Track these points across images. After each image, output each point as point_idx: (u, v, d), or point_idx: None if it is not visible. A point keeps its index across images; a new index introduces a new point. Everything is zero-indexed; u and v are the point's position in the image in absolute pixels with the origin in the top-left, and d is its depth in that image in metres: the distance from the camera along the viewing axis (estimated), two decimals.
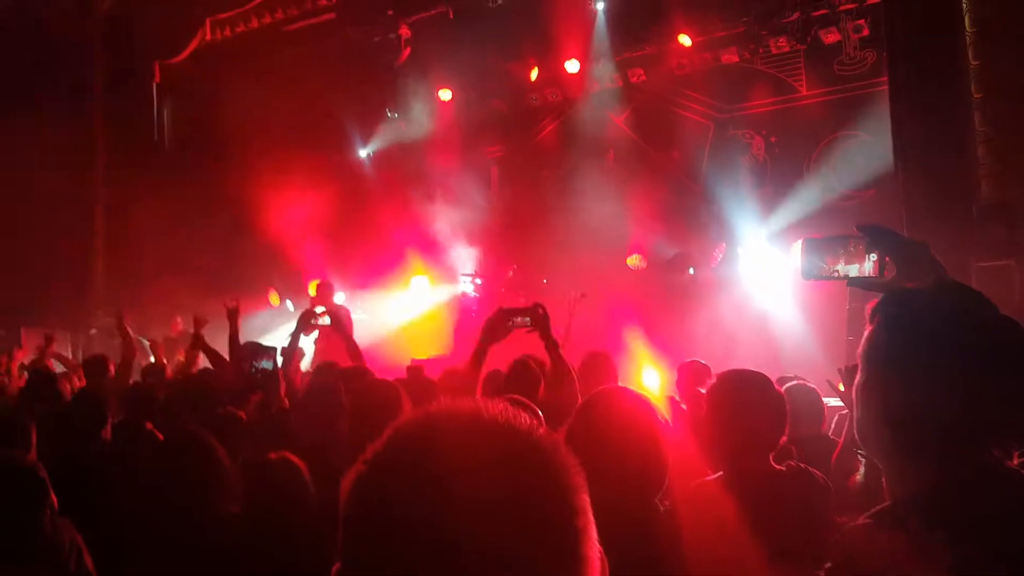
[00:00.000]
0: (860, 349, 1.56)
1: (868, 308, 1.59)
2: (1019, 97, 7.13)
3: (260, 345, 6.03)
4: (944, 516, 1.42)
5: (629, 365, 8.77)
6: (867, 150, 9.13)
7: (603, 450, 2.12)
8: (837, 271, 1.92)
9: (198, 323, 6.83)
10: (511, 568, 0.88)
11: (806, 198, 9.47)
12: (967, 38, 7.12)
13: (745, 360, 8.18)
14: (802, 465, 2.73)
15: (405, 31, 11.43)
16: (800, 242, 1.98)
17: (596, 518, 0.93)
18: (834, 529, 2.44)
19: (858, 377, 1.56)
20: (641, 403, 2.28)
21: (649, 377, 8.64)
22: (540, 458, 0.94)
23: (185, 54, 11.57)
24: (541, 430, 0.99)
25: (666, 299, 10.03)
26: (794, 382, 4.17)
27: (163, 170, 11.69)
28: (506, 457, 0.93)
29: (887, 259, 1.83)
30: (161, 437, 4.55)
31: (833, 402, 4.16)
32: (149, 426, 4.82)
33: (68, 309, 11.45)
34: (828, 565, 1.58)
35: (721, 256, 9.88)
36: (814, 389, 4.12)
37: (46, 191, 11.13)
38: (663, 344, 9.00)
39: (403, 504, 0.91)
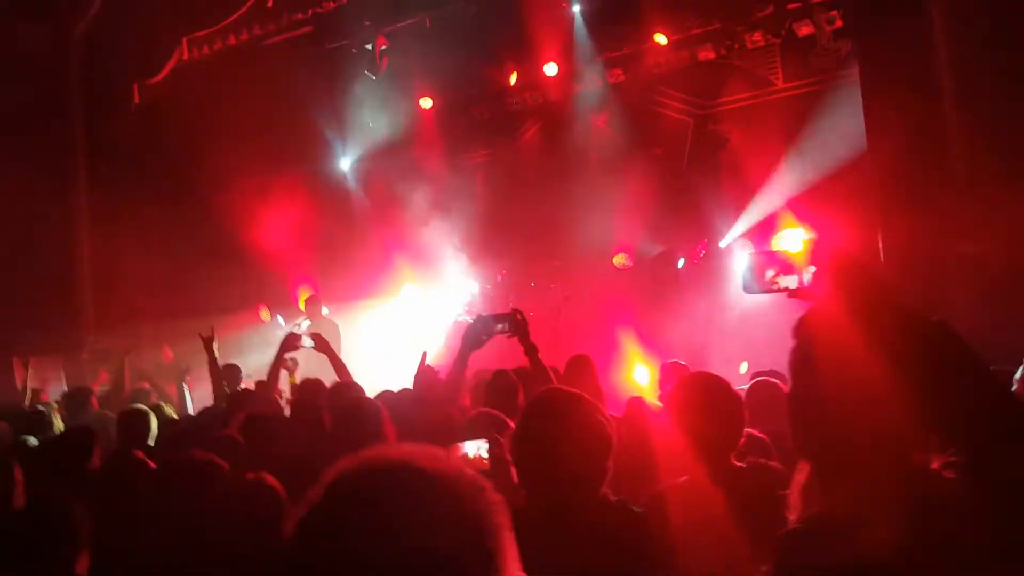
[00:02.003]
0: (788, 362, 1.62)
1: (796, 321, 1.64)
2: (992, 78, 7.13)
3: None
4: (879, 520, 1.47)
5: (620, 364, 8.86)
6: (841, 132, 9.00)
7: (541, 451, 2.29)
8: (778, 283, 1.99)
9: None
10: None
11: (783, 188, 9.51)
12: (939, 20, 7.11)
13: (731, 355, 8.26)
14: (761, 461, 2.80)
15: (383, 41, 11.48)
16: (746, 255, 2.05)
17: (543, 514, 0.98)
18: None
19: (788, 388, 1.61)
20: (576, 402, 2.39)
21: (640, 375, 8.73)
22: (460, 507, 1.07)
23: (163, 74, 11.59)
24: (467, 475, 1.12)
25: (653, 297, 10.11)
26: (760, 378, 4.20)
27: (146, 191, 11.68)
28: (431, 511, 1.05)
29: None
30: (152, 465, 4.56)
31: None
32: (139, 455, 4.84)
33: (58, 336, 11.31)
34: (765, 568, 1.64)
35: (703, 252, 9.95)
36: (777, 384, 4.16)
37: (27, 216, 11.09)
38: (652, 341, 9.08)
39: (337, 555, 1.03)
